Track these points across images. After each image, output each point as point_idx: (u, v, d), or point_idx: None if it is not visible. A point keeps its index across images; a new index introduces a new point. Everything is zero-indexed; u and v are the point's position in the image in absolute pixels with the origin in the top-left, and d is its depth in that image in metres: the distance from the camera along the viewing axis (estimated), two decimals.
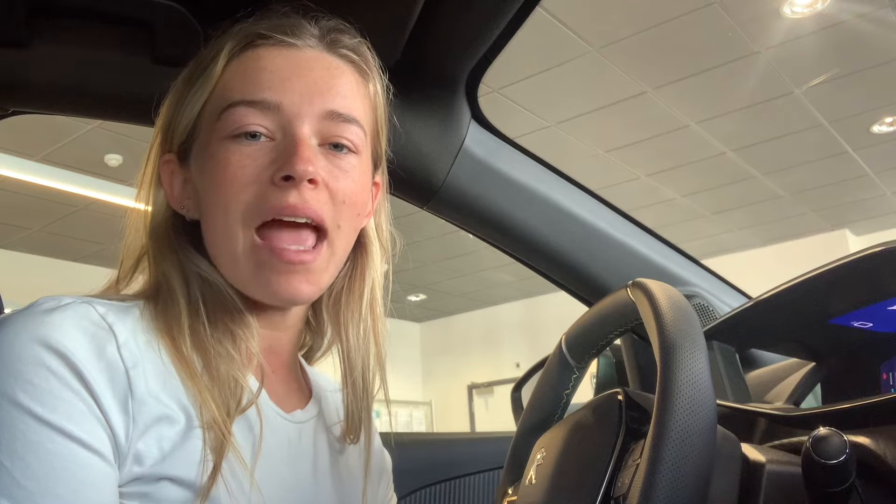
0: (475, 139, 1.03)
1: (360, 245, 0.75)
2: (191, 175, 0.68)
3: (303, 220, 0.63)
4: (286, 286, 0.63)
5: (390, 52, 0.88)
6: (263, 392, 0.67)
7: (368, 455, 0.77)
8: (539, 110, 4.25)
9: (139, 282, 0.70)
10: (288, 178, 0.62)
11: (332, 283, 0.75)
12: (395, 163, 0.81)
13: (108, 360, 0.56)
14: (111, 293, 0.69)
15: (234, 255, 0.64)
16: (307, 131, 0.64)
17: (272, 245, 0.63)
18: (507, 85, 3.92)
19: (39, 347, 0.54)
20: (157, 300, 0.65)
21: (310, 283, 0.65)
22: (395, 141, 0.93)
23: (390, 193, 0.81)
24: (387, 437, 0.90)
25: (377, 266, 0.77)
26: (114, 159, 4.46)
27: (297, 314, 0.73)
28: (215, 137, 0.65)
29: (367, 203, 0.72)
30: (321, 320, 0.78)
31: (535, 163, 1.10)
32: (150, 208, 0.70)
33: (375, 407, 0.80)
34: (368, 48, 0.72)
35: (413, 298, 8.20)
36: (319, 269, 0.65)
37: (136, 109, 0.85)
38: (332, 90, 0.66)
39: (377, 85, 0.73)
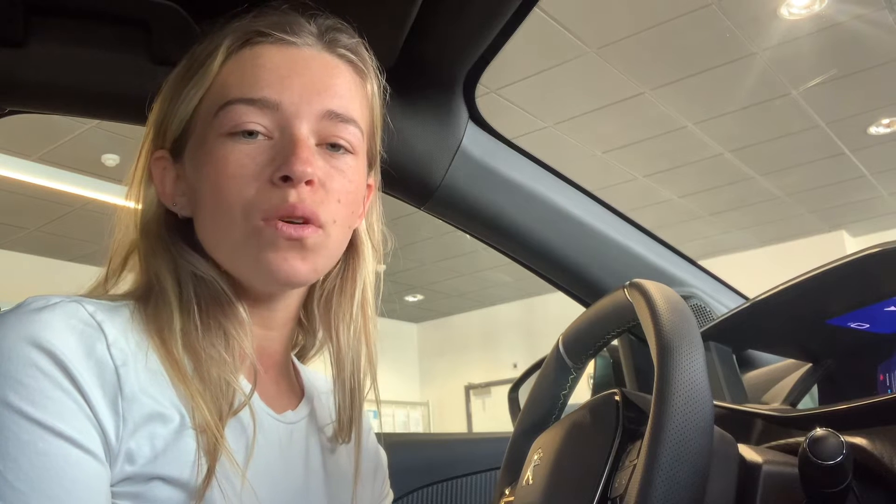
0: (473, 140, 1.03)
1: (351, 246, 0.75)
2: (184, 172, 0.68)
3: (299, 221, 0.63)
4: (283, 264, 0.63)
5: (388, 53, 0.88)
6: (255, 393, 0.67)
7: (359, 455, 0.77)
8: (537, 111, 4.25)
9: (128, 280, 0.69)
10: (286, 179, 0.62)
11: (324, 283, 0.75)
12: (391, 163, 0.81)
13: (97, 358, 0.56)
14: (99, 291, 0.69)
15: (234, 243, 0.64)
16: (305, 131, 0.64)
17: (274, 225, 0.63)
18: (505, 85, 3.92)
19: (29, 347, 0.54)
20: (147, 301, 0.64)
21: (305, 261, 0.64)
22: (393, 141, 0.93)
23: (387, 194, 0.81)
24: (384, 437, 0.90)
25: (369, 267, 0.77)
26: (111, 159, 4.45)
27: (288, 312, 0.73)
28: (212, 135, 0.64)
29: (361, 203, 0.72)
30: (313, 319, 0.78)
31: (532, 163, 1.10)
32: (140, 205, 0.70)
33: (369, 408, 0.80)
34: (366, 48, 0.72)
35: (410, 299, 8.20)
36: (316, 246, 0.65)
37: (134, 109, 0.84)
38: (331, 90, 0.66)
39: (374, 85, 0.73)
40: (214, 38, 0.68)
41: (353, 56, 0.70)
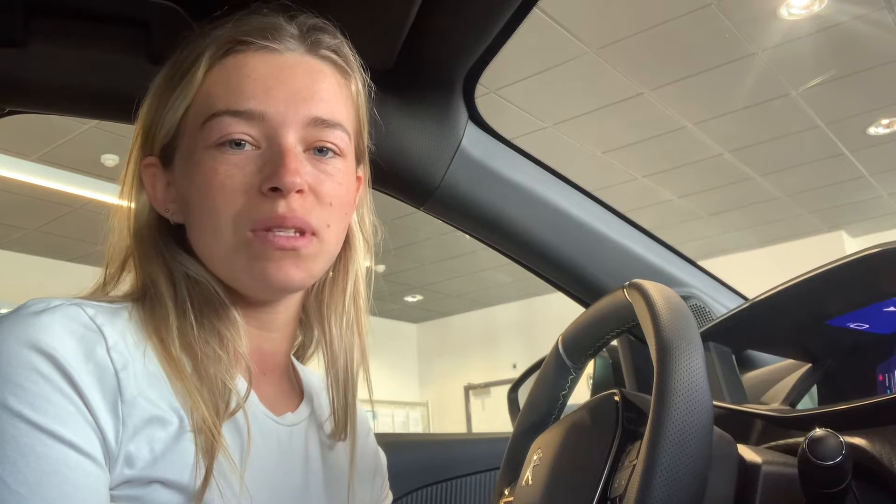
0: (472, 140, 1.03)
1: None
2: (174, 178, 0.68)
3: (291, 232, 0.63)
4: (277, 272, 0.63)
5: (388, 53, 0.88)
6: (253, 395, 0.67)
7: (353, 448, 0.77)
8: (536, 111, 4.25)
9: (127, 282, 0.69)
10: (275, 189, 0.62)
11: None
12: (390, 163, 0.81)
13: (97, 361, 0.56)
14: (99, 295, 0.69)
15: (226, 252, 0.64)
16: (292, 140, 0.64)
17: (264, 237, 0.63)
18: (505, 86, 3.92)
19: (28, 350, 0.54)
20: (144, 301, 0.65)
21: (300, 269, 0.64)
22: (392, 141, 0.93)
23: (387, 194, 0.81)
24: (383, 438, 0.90)
25: (360, 259, 0.77)
26: (110, 159, 4.46)
27: (288, 314, 0.73)
28: (200, 146, 0.64)
29: (353, 202, 0.73)
30: (308, 313, 0.78)
31: (532, 164, 1.11)
32: (133, 205, 0.70)
33: (367, 408, 0.80)
34: (349, 46, 0.72)
35: (410, 299, 8.20)
36: (310, 255, 0.65)
37: (133, 110, 0.85)
38: (316, 96, 0.66)
39: (358, 83, 0.73)
40: (196, 44, 0.67)
41: (336, 57, 0.70)
